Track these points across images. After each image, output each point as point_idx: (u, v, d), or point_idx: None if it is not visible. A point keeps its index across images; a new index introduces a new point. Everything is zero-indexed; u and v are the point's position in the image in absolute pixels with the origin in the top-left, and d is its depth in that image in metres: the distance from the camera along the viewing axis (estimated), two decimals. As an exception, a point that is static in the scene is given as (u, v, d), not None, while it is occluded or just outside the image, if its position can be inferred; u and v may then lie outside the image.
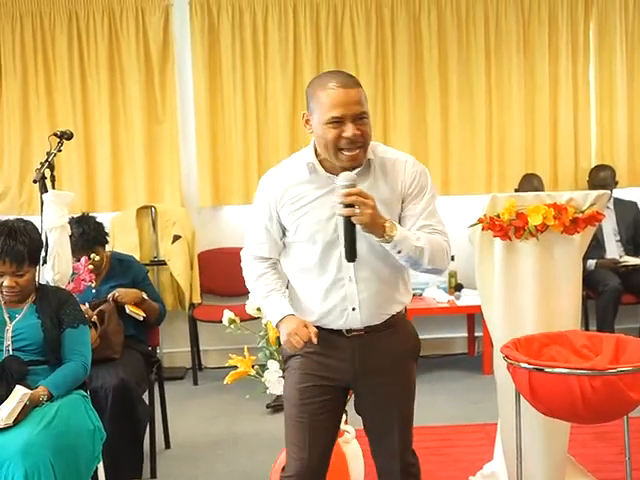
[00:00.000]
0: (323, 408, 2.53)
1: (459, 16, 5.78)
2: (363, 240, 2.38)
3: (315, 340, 2.38)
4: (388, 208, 2.41)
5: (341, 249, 2.39)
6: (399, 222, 2.43)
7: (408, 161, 2.48)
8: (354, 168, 2.37)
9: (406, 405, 2.59)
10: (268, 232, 2.54)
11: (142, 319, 3.97)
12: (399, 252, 2.34)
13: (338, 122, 2.32)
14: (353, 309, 2.47)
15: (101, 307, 3.78)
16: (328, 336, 2.49)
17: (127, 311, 3.89)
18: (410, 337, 2.62)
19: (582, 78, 5.88)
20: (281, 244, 2.56)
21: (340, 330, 2.50)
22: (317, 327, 2.45)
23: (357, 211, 2.26)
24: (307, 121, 2.43)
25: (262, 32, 5.70)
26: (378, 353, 2.51)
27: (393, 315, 2.54)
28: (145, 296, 4.00)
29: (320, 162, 2.44)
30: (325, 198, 2.43)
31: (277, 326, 2.49)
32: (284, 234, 2.53)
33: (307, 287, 2.52)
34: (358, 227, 2.31)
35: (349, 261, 2.36)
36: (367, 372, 2.51)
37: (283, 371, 2.67)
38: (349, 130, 2.31)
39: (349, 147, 2.33)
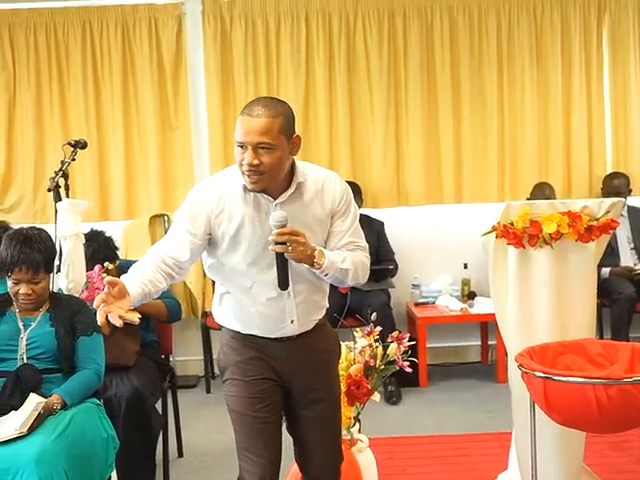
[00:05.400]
0: (272, 410, 2.61)
1: (471, 25, 5.78)
2: None
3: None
4: (320, 225, 2.54)
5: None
6: (327, 237, 2.56)
7: (336, 179, 2.60)
8: (261, 191, 2.44)
9: (334, 402, 2.75)
10: (188, 235, 2.51)
11: (139, 321, 3.82)
12: (326, 275, 2.50)
13: (241, 147, 2.41)
14: (292, 321, 2.59)
15: None
16: (265, 342, 2.61)
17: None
18: (332, 337, 2.79)
19: (596, 85, 5.85)
20: (195, 253, 2.53)
21: (276, 337, 2.62)
22: (254, 336, 2.61)
23: (289, 248, 2.38)
24: None
25: (274, 41, 5.72)
26: (309, 351, 2.64)
27: (319, 320, 2.68)
28: None
29: None
30: (258, 218, 2.49)
31: None
32: (211, 246, 2.55)
33: (245, 302, 2.59)
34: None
35: (282, 289, 2.47)
36: (301, 370, 2.63)
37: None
38: (247, 157, 2.39)
39: (248, 173, 2.41)
